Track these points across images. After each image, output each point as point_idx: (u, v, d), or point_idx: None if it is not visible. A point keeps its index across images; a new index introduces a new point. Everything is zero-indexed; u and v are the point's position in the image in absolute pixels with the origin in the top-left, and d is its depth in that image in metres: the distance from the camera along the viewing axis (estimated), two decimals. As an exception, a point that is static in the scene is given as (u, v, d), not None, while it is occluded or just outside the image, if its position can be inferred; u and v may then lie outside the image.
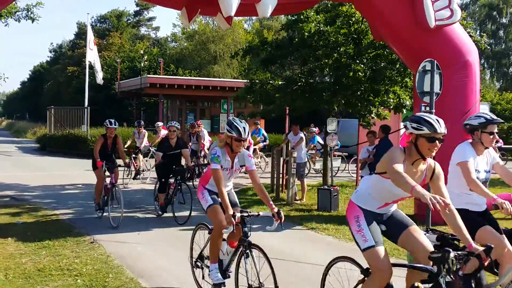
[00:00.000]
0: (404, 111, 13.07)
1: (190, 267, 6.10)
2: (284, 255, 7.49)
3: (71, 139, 25.56)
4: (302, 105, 12.45)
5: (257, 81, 13.78)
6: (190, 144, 15.07)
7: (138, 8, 65.06)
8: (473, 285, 4.05)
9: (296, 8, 11.30)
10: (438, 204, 3.56)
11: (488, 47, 49.64)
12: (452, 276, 3.66)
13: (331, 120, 12.00)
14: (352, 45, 12.29)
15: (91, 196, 12.85)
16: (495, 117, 5.19)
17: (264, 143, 18.17)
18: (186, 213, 9.76)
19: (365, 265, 4.32)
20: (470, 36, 11.03)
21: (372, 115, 12.54)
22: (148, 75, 32.66)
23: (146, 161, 16.97)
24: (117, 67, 40.31)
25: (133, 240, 8.26)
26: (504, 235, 4.81)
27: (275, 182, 13.38)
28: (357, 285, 4.43)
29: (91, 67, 28.04)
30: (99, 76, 28.13)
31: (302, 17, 12.15)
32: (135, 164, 15.39)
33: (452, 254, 3.64)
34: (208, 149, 15.10)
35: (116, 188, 9.60)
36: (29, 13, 16.22)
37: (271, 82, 13.67)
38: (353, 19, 12.06)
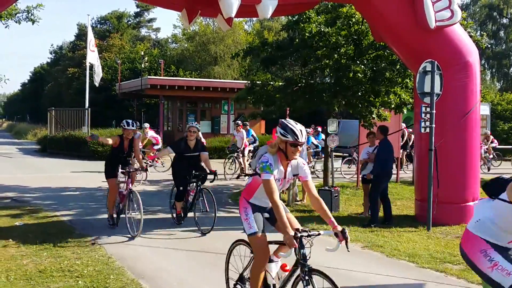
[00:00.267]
0: (405, 111, 13.07)
1: (191, 268, 6.09)
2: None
3: (71, 140, 25.55)
4: (303, 106, 12.45)
5: (257, 82, 13.79)
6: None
7: (138, 10, 65.17)
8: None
9: (296, 9, 11.31)
10: None
11: (489, 47, 49.70)
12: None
13: (331, 121, 11.99)
14: (352, 46, 12.30)
15: (92, 197, 12.90)
16: None
17: (254, 145, 18.13)
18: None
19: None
20: (471, 36, 11.03)
21: (373, 116, 12.54)
22: (148, 76, 32.68)
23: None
24: (118, 68, 40.36)
25: (134, 242, 8.26)
26: None
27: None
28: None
29: (92, 68, 28.08)
30: (97, 79, 28.13)
31: (302, 17, 12.16)
32: None
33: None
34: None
35: (133, 194, 8.72)
36: (30, 14, 16.25)
37: (271, 83, 13.68)
38: (354, 20, 12.06)
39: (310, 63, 12.53)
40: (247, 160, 17.35)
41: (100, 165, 18.82)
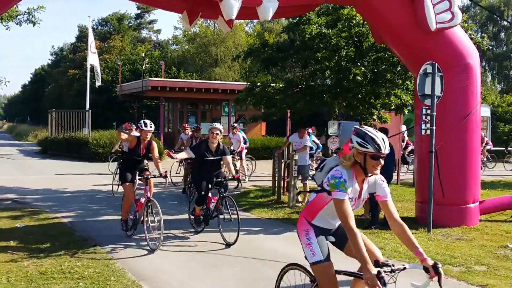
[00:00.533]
0: (406, 111, 13.08)
1: (191, 269, 6.08)
2: (287, 258, 7.49)
3: (72, 142, 25.58)
4: (303, 108, 12.48)
5: (258, 83, 13.80)
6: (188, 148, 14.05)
7: (139, 11, 65.20)
8: None
9: (297, 11, 11.31)
10: None
11: (490, 48, 49.70)
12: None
13: (332, 123, 12.00)
14: (353, 48, 12.32)
15: (92, 199, 12.91)
16: None
17: (245, 145, 18.04)
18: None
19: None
20: (471, 38, 11.04)
21: (374, 117, 12.56)
22: (149, 78, 32.73)
23: None
24: (119, 70, 40.40)
25: (134, 243, 8.26)
26: None
27: (276, 185, 13.39)
28: None
29: (93, 70, 28.11)
30: (99, 79, 28.16)
31: (303, 19, 12.18)
32: None
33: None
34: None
35: (152, 203, 7.97)
36: (30, 16, 16.22)
37: (272, 84, 13.69)
38: (354, 22, 12.09)
39: (311, 65, 12.56)
40: (246, 164, 17.34)
41: (101, 166, 18.96)
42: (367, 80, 11.91)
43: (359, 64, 12.06)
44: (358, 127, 3.91)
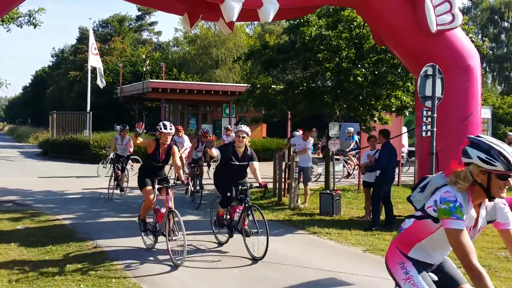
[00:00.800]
0: (407, 113, 13.08)
1: (193, 271, 6.08)
2: (287, 260, 7.50)
3: (73, 144, 25.60)
4: (304, 109, 12.47)
5: (258, 85, 13.81)
6: (195, 150, 13.15)
7: (140, 13, 65.31)
8: None
9: (297, 13, 11.31)
10: None
11: (490, 51, 49.70)
12: None
13: (333, 125, 12.00)
14: (353, 50, 12.32)
15: (93, 201, 12.91)
16: None
17: None
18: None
19: None
20: (472, 40, 11.04)
21: (375, 119, 12.56)
22: (150, 80, 32.76)
23: (132, 166, 16.09)
24: (119, 71, 40.44)
25: (135, 245, 8.26)
26: None
27: (277, 187, 13.40)
28: None
29: (93, 71, 28.12)
30: (103, 81, 28.14)
31: (303, 21, 12.19)
32: (118, 174, 13.48)
33: None
34: (186, 157, 13.04)
35: (174, 214, 7.37)
36: (31, 18, 16.24)
37: (273, 86, 13.70)
38: (355, 23, 12.09)
39: (311, 67, 12.56)
40: None
41: (101, 168, 18.93)
42: (368, 82, 11.91)
43: (359, 65, 12.06)
44: (478, 138, 3.09)
